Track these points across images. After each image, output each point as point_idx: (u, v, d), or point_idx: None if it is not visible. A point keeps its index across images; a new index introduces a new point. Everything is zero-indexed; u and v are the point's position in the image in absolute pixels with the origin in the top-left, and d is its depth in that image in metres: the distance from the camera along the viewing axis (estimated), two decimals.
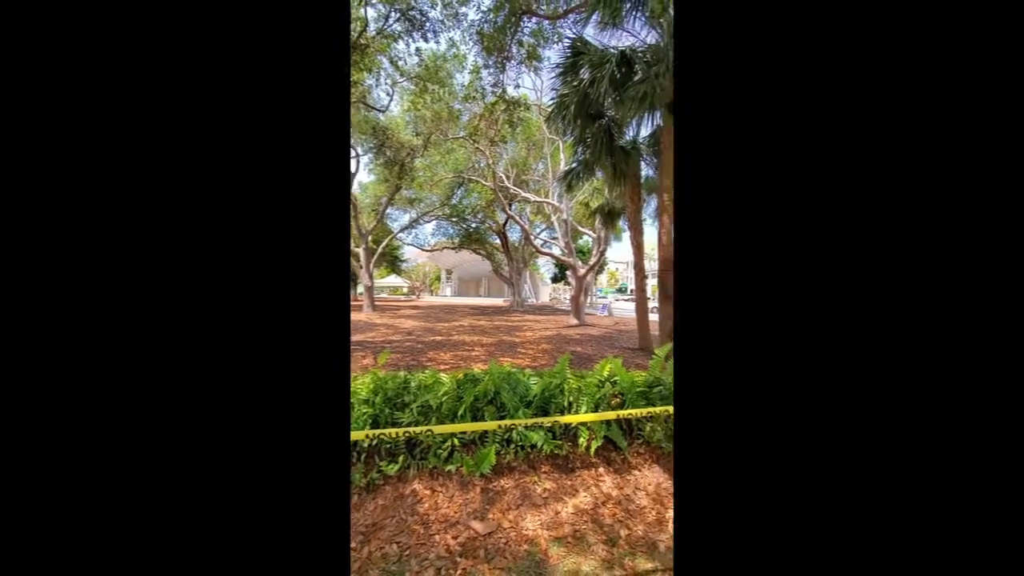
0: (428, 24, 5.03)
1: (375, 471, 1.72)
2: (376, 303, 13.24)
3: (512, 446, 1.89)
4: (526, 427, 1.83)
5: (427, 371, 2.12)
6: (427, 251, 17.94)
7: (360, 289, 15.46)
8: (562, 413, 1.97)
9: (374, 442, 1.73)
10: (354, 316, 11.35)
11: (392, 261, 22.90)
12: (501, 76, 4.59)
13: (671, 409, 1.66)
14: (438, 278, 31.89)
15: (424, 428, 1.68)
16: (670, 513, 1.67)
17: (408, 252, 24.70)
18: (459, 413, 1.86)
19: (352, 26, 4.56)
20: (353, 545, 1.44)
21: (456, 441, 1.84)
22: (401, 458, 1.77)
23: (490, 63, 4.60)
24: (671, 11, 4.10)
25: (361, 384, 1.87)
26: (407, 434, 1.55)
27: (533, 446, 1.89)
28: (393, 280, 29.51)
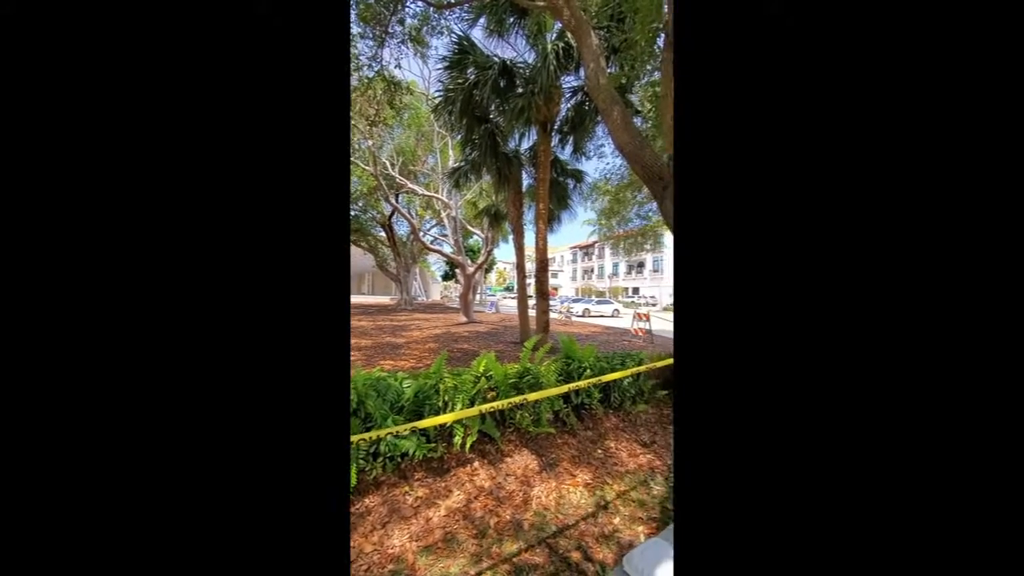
0: None
1: None
2: None
3: (380, 459, 1.72)
4: (396, 435, 1.70)
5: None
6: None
7: None
8: (437, 414, 1.92)
9: None
10: None
11: None
12: (379, 51, 4.15)
13: (530, 396, 1.82)
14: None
15: None
16: (535, 491, 1.83)
17: None
18: None
19: None
20: None
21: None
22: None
23: (367, 33, 4.10)
24: (545, 36, 4.54)
25: None
26: None
27: (404, 455, 1.77)
28: None
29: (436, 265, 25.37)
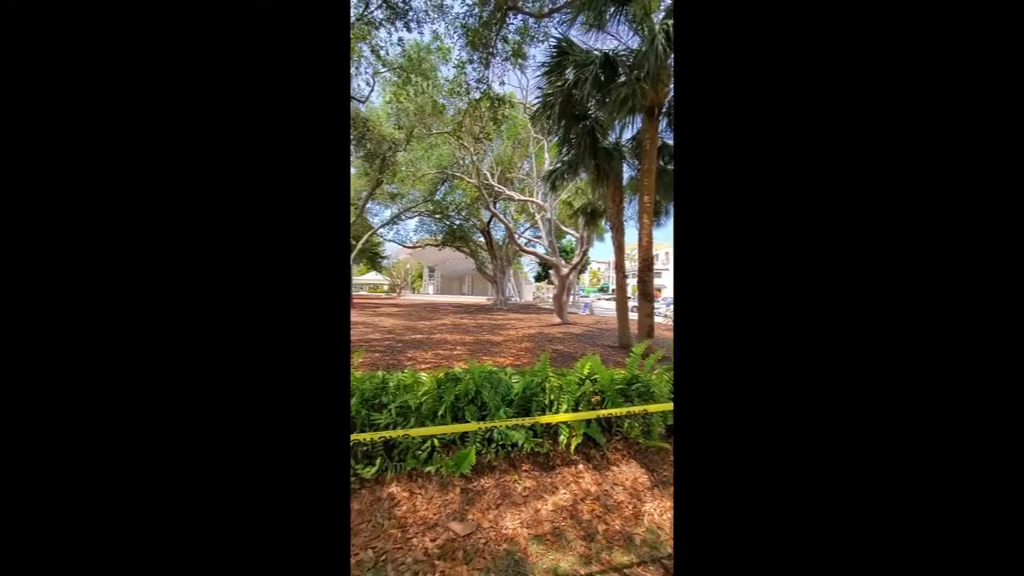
0: (411, 14, 4.90)
1: (350, 474, 1.66)
2: (354, 300, 12.83)
3: (493, 445, 1.87)
4: (507, 427, 1.82)
5: (406, 371, 2.07)
6: (409, 248, 17.57)
7: None
8: (543, 412, 1.97)
9: (350, 444, 1.67)
10: None
11: (372, 257, 22.30)
12: (486, 72, 4.53)
13: (649, 407, 1.70)
14: (420, 275, 31.34)
15: (401, 432, 1.63)
16: (646, 507, 1.71)
17: (389, 248, 24.12)
18: (439, 413, 1.83)
19: None
20: None
21: (436, 442, 1.80)
22: (378, 460, 1.71)
23: (475, 58, 4.53)
24: (652, 17, 4.18)
25: None
26: (383, 437, 1.50)
27: (514, 445, 1.89)
28: (373, 277, 28.74)
29: (529, 266, 26.17)
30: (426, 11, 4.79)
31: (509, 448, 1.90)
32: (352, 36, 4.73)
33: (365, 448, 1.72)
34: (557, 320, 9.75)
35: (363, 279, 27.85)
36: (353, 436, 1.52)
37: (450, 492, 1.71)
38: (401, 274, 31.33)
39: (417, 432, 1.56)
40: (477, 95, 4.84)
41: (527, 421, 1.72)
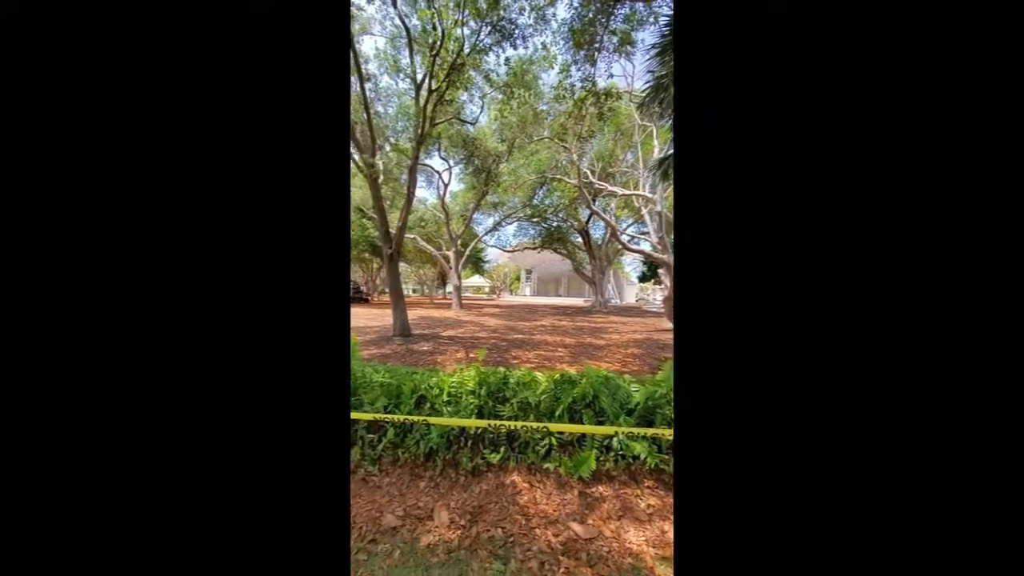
0: (517, 31, 5.20)
1: (479, 458, 1.86)
2: (463, 301, 14.32)
3: (612, 454, 1.82)
4: (627, 436, 1.74)
5: (523, 369, 2.20)
6: (508, 252, 18.63)
7: (449, 288, 16.94)
8: (670, 426, 1.81)
9: (479, 431, 1.88)
10: (443, 313, 12.51)
11: (476, 262, 24.52)
12: (592, 70, 4.45)
13: None
14: (518, 278, 32.84)
15: (521, 424, 1.74)
16: None
17: (490, 253, 26.08)
18: (556, 413, 1.88)
19: (450, 47, 5.01)
20: (462, 523, 1.59)
21: (554, 440, 1.86)
22: (502, 449, 1.87)
23: (579, 58, 4.51)
24: None
25: (467, 376, 2.04)
26: (506, 427, 1.63)
27: (636, 457, 1.78)
28: (476, 280, 31.58)
29: (631, 266, 24.36)
30: (531, 24, 5.01)
31: (630, 460, 1.81)
32: (467, 66, 5.30)
33: (492, 436, 1.90)
34: (668, 325, 8.77)
35: (467, 282, 30.84)
36: (476, 422, 1.70)
37: (568, 492, 1.74)
38: (500, 277, 33.50)
39: (555, 427, 1.63)
40: (581, 94, 4.79)
41: (650, 432, 1.60)
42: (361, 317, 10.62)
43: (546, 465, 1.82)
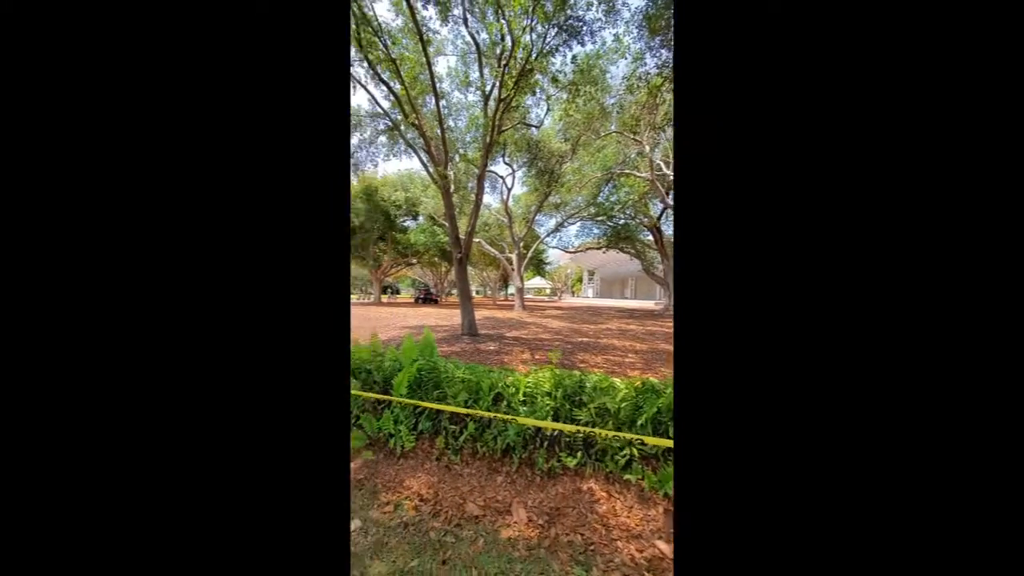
0: (584, 28, 5.10)
1: (555, 460, 1.86)
2: (524, 302, 14.47)
3: None
4: None
5: (598, 374, 2.13)
6: (570, 253, 18.30)
7: (511, 290, 17.30)
8: None
9: (554, 433, 1.88)
10: (507, 314, 12.81)
11: (537, 264, 24.62)
12: (668, 54, 4.13)
13: None
14: (580, 279, 32.03)
15: (613, 433, 1.68)
16: None
17: (552, 254, 25.92)
18: (639, 423, 1.77)
19: (518, 55, 5.13)
20: (540, 522, 1.60)
21: (635, 451, 1.76)
22: (579, 454, 1.84)
23: (655, 44, 4.22)
24: None
25: (542, 377, 2.06)
26: (584, 433, 1.59)
27: None
28: (536, 282, 31.70)
29: None
30: (600, 18, 4.86)
31: None
32: (535, 70, 5.36)
33: (568, 439, 1.88)
34: None
35: (529, 284, 31.15)
36: (554, 425, 1.69)
37: (652, 508, 1.63)
38: (561, 278, 33.06)
39: (651, 442, 1.56)
40: (657, 80, 4.48)
41: None
42: (432, 316, 11.48)
43: (626, 476, 1.73)
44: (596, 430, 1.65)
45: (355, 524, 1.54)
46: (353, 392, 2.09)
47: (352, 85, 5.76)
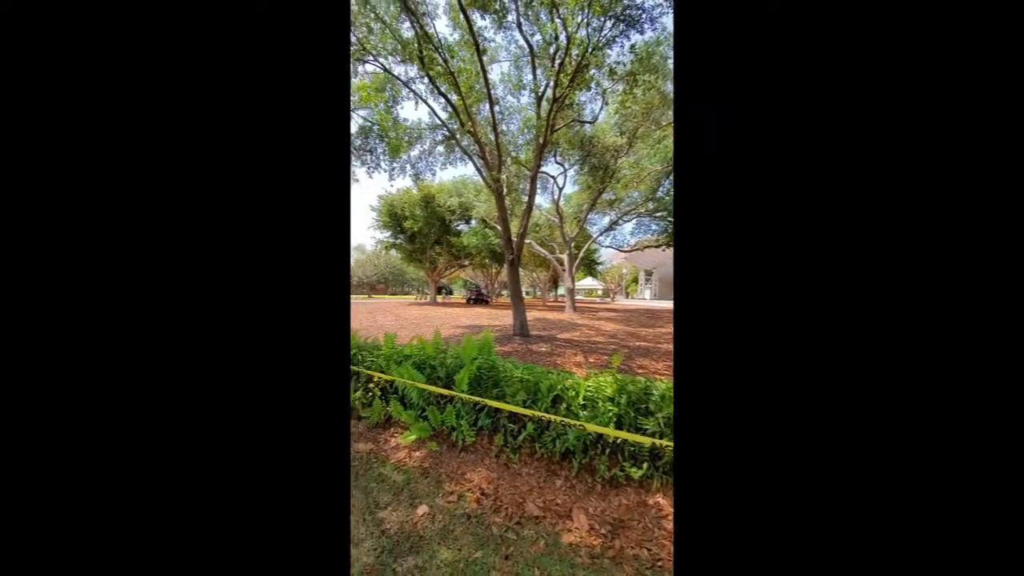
0: (643, 16, 4.82)
1: (618, 468, 1.78)
2: (576, 304, 14.14)
3: None
4: None
5: (667, 382, 1.99)
6: (625, 251, 17.42)
7: (562, 291, 17.05)
8: None
9: (617, 441, 1.80)
10: (557, 316, 12.65)
11: (588, 264, 23.91)
12: None
13: None
14: (635, 280, 30.32)
15: (659, 440, 1.56)
16: None
17: (604, 254, 24.96)
18: None
19: (573, 53, 5.05)
20: (602, 531, 1.54)
21: None
22: (645, 465, 1.74)
23: None
24: None
25: (604, 382, 1.99)
26: (651, 443, 1.50)
27: None
28: (588, 282, 30.74)
29: None
30: (659, 4, 4.56)
31: None
32: (591, 66, 5.22)
33: (632, 449, 1.79)
34: None
35: (580, 285, 30.39)
36: (621, 434, 1.61)
37: None
38: (615, 279, 31.61)
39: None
40: None
41: None
42: (484, 317, 11.82)
43: None
44: (665, 442, 1.55)
45: (423, 509, 1.64)
46: (420, 385, 2.24)
47: (414, 101, 6.20)
